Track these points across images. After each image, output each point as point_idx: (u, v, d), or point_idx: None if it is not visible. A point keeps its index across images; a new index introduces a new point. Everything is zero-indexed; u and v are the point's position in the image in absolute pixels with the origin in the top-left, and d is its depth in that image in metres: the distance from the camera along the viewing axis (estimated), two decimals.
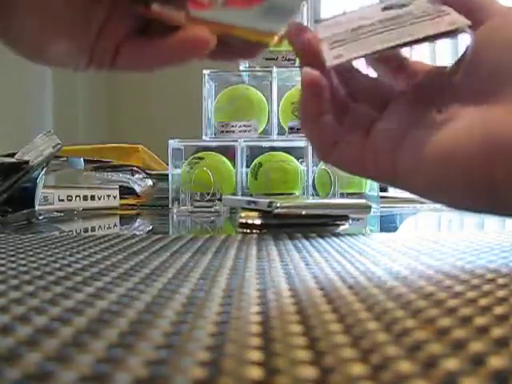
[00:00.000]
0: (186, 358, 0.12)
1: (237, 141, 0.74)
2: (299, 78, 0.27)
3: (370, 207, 0.51)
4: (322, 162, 0.76)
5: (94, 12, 0.25)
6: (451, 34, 0.26)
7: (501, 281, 0.21)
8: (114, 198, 0.86)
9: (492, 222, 0.54)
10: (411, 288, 0.20)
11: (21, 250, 0.31)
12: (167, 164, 0.78)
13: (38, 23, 0.25)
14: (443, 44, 1.54)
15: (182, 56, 0.28)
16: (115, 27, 0.26)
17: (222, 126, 0.77)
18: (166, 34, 0.27)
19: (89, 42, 0.26)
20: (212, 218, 0.65)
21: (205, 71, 0.79)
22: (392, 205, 0.85)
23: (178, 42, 0.27)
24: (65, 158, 0.74)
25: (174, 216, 0.70)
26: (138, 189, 0.93)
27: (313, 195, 0.76)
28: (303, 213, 0.48)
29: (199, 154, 0.75)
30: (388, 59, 0.29)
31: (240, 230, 0.49)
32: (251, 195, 0.75)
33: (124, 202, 0.91)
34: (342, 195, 0.72)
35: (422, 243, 0.34)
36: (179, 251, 0.30)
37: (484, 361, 0.12)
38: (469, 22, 0.25)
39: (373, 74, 0.30)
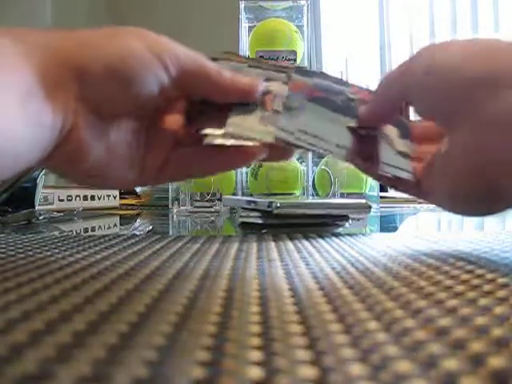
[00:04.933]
0: (186, 358, 0.12)
1: None
2: None
3: (369, 207, 0.51)
4: (321, 162, 0.76)
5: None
6: None
7: (501, 281, 0.21)
8: (114, 198, 0.86)
9: (492, 222, 0.54)
10: (411, 288, 0.20)
11: (21, 250, 0.31)
12: None
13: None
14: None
15: (231, 165, 0.33)
16: (159, 146, 0.30)
17: None
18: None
19: (139, 164, 0.30)
20: (212, 218, 0.65)
21: None
22: (392, 205, 0.85)
23: (230, 153, 0.30)
24: None
25: (174, 216, 0.70)
26: (137, 189, 0.93)
27: (313, 195, 0.76)
28: (303, 213, 0.48)
29: None
30: None
31: (240, 230, 0.49)
32: (251, 195, 0.75)
33: (124, 201, 0.92)
34: (342, 195, 0.72)
35: (422, 243, 0.34)
36: (179, 251, 0.30)
37: (484, 361, 0.12)
38: None
39: None
